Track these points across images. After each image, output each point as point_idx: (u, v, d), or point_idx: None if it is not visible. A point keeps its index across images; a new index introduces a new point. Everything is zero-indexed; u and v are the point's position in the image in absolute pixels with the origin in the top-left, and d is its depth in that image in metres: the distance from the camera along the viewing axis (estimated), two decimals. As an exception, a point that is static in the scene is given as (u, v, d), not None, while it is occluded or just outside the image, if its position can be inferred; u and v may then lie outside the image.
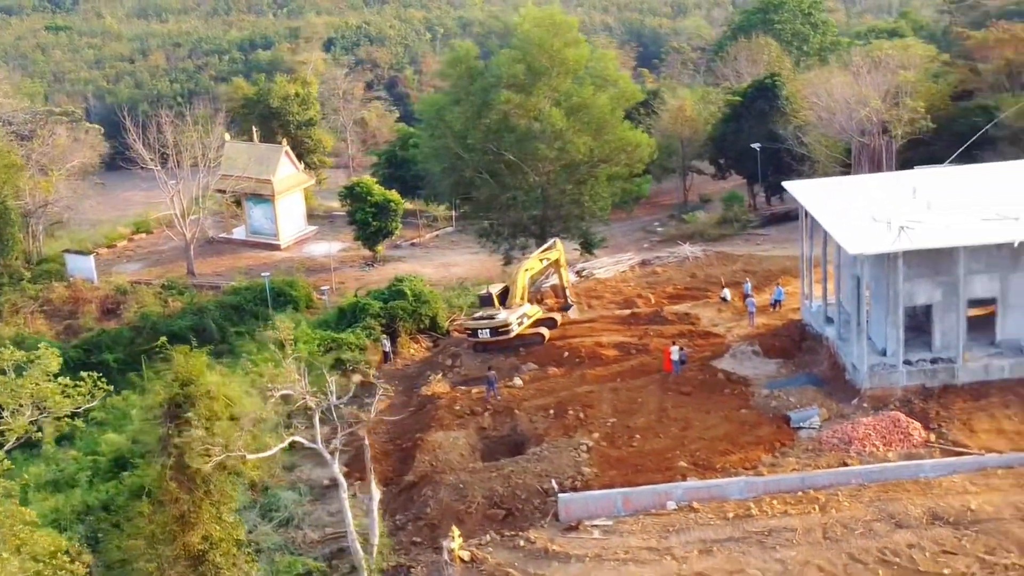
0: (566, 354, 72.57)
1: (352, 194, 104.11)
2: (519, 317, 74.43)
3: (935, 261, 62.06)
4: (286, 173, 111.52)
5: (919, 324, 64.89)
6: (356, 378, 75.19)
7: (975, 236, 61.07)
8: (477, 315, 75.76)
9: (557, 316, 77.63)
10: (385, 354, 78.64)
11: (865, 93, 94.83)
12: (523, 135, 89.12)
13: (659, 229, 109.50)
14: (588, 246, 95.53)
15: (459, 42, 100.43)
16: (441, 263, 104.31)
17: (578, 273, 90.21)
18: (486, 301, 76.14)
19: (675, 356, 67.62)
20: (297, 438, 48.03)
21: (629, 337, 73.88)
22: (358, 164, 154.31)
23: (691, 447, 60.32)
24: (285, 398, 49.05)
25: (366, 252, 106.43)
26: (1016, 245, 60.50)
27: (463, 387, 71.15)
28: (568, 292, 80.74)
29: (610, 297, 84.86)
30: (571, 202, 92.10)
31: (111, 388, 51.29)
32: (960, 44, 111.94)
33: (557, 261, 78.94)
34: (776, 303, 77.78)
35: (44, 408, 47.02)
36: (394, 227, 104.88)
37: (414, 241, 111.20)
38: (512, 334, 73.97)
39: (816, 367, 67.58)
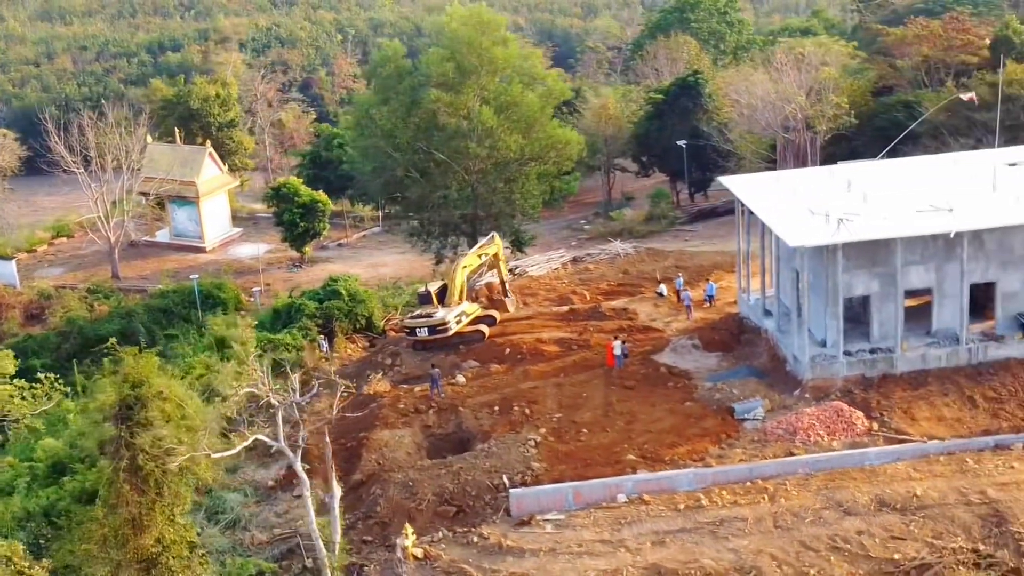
0: (507, 351, 72.54)
1: (279, 195, 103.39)
2: (457, 315, 74.29)
3: (873, 253, 63.05)
4: (210, 175, 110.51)
5: (855, 315, 65.80)
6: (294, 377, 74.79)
7: (912, 227, 62.16)
8: (415, 314, 75.53)
9: (496, 313, 77.60)
10: (322, 354, 78.17)
11: (789, 90, 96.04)
12: (453, 134, 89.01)
13: (586, 227, 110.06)
14: (519, 244, 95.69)
15: (387, 41, 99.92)
16: (370, 263, 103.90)
17: (511, 271, 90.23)
18: (424, 299, 75.93)
19: (617, 351, 67.92)
20: (261, 436, 47.65)
21: (569, 333, 74.08)
22: (276, 166, 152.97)
23: (638, 440, 60.70)
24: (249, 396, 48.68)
25: (293, 253, 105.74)
26: (952, 235, 61.67)
27: (405, 386, 70.96)
28: (507, 284, 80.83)
29: (545, 294, 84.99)
30: (502, 200, 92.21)
31: (67, 390, 50.59)
32: (880, 41, 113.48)
33: (496, 255, 79.00)
34: (709, 298, 78.45)
35: (-1, 412, 46.27)
36: (322, 228, 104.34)
37: (341, 242, 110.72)
38: (450, 333, 73.79)
39: (756, 359, 68.30)
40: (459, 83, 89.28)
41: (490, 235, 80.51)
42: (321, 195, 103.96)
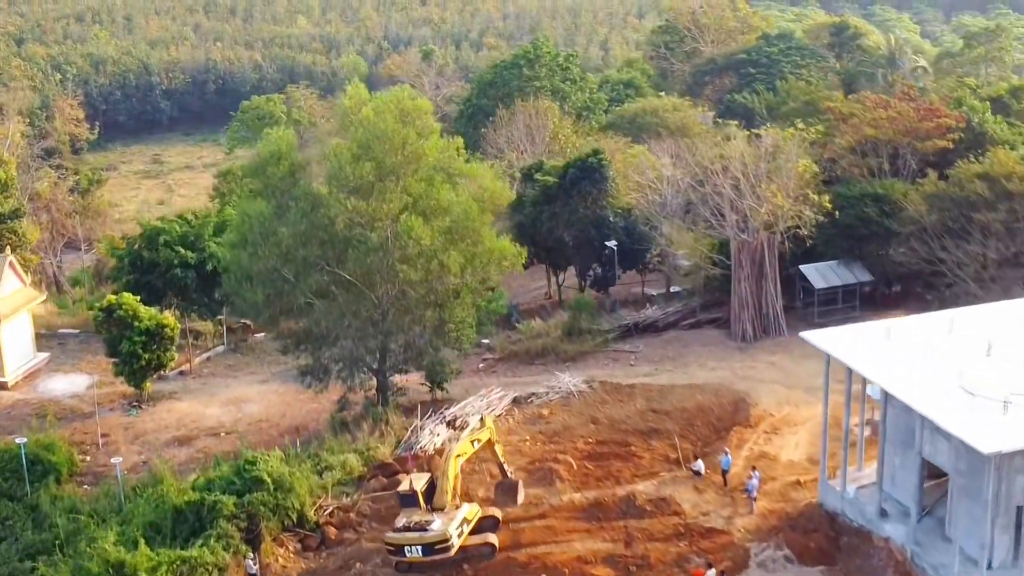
0: (542, 577, 53.68)
1: (112, 318, 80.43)
2: (458, 525, 55.08)
3: (1050, 446, 47.85)
4: (12, 289, 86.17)
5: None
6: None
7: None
8: (401, 524, 55.53)
9: (498, 513, 58.46)
10: (250, 576, 57.22)
11: (765, 188, 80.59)
12: (373, 251, 69.37)
13: (485, 341, 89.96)
14: (437, 381, 76.53)
15: (274, 131, 78.45)
16: (228, 399, 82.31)
17: (449, 424, 70.71)
18: (408, 501, 56.28)
19: (711, 583, 50.32)
20: None
21: (612, 543, 55.56)
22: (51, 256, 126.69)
23: None
24: None
25: (127, 388, 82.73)
26: None
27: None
28: (508, 469, 62.09)
29: (508, 459, 64.79)
30: (431, 332, 73.04)
31: None
32: (824, 119, 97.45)
33: (490, 440, 60.28)
34: (724, 473, 61.83)
35: None
36: (169, 359, 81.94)
37: (182, 369, 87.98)
38: (453, 550, 54.57)
39: (877, 576, 52.06)
40: (377, 187, 69.91)
41: (478, 418, 61.99)
42: (168, 318, 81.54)
